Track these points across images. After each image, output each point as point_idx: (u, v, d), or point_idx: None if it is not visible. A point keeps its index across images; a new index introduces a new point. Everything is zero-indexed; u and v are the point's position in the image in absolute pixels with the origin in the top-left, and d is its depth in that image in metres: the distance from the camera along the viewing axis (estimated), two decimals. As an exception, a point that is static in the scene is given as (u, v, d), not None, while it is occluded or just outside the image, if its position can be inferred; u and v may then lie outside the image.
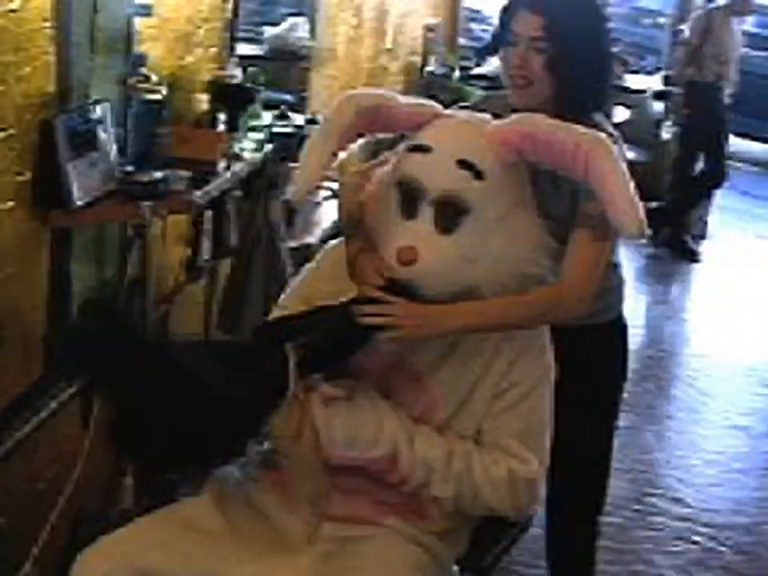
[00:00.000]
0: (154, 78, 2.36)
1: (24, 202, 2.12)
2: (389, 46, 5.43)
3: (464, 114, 1.92)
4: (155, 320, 2.76)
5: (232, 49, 3.14)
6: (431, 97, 2.93)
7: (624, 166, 1.69)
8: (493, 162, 1.71)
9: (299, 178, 1.75)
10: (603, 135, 1.71)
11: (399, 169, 1.76)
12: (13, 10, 1.95)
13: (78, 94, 2.26)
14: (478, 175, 1.69)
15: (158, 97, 2.35)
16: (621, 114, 5.84)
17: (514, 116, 1.78)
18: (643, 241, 1.76)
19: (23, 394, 2.22)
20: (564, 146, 1.67)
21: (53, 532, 2.25)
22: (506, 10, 2.01)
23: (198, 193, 2.45)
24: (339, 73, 4.57)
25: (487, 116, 1.84)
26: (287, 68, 4.26)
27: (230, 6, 3.05)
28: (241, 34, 3.45)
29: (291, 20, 4.26)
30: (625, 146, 2.03)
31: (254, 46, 4.25)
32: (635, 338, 4.62)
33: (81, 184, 2.22)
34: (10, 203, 2.06)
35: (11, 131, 2.02)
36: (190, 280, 2.74)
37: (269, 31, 4.31)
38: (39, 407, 2.28)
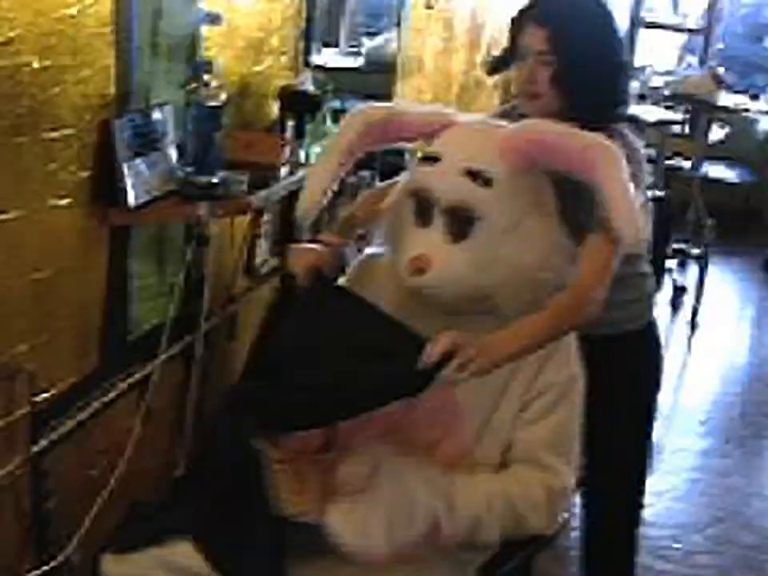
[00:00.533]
0: (215, 83, 2.41)
1: (82, 200, 2.21)
2: (482, 59, 5.43)
3: (478, 120, 1.92)
4: (222, 321, 2.85)
5: (306, 56, 3.19)
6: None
7: (627, 175, 1.65)
8: (502, 169, 1.71)
9: (303, 197, 1.81)
10: (609, 142, 1.68)
11: (413, 179, 1.80)
12: (71, 16, 2.04)
13: (139, 97, 2.35)
14: (487, 183, 1.70)
15: (216, 102, 2.40)
16: (716, 132, 5.73)
17: (524, 121, 1.78)
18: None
19: (78, 383, 2.31)
20: (571, 151, 1.66)
21: (100, 518, 2.32)
22: (513, 24, 2.01)
23: (255, 196, 2.50)
24: (428, 85, 4.60)
25: (502, 122, 1.84)
26: (383, 80, 4.31)
27: (303, 14, 3.11)
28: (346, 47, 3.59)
29: (388, 33, 4.32)
30: (646, 164, 2.04)
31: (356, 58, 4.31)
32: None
33: (138, 184, 2.31)
34: (68, 200, 2.15)
35: (69, 131, 2.12)
36: (249, 282, 2.81)
37: (368, 44, 4.37)
38: (94, 396, 2.37)
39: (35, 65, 1.97)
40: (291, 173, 2.73)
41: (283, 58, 3.04)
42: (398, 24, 4.11)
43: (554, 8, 1.98)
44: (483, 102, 5.54)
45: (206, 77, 2.46)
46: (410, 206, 1.80)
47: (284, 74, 3.04)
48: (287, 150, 2.67)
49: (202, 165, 2.43)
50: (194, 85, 2.41)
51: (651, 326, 2.29)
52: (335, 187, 1.84)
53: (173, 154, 2.45)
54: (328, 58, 3.70)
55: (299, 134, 2.84)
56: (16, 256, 2.03)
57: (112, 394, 2.44)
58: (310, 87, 2.90)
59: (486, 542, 1.75)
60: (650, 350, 2.31)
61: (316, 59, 3.29)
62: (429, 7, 4.32)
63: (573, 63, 1.93)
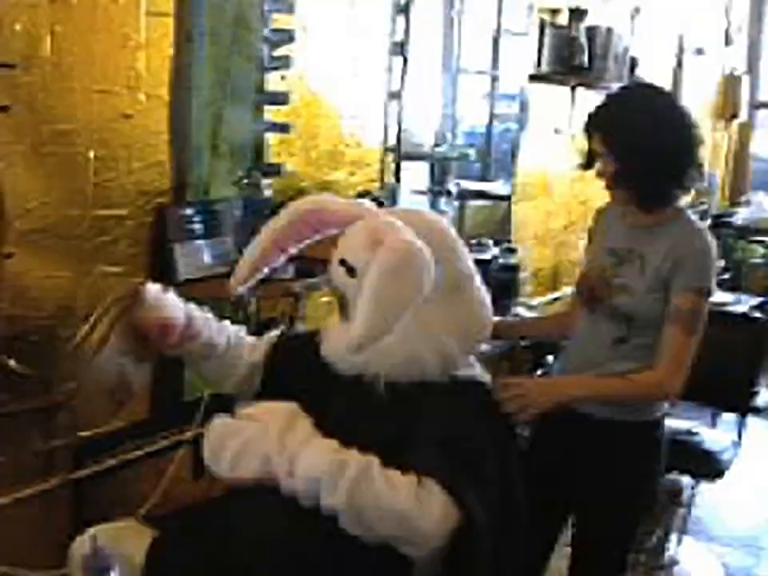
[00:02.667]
0: (265, 181, 2.81)
1: (135, 271, 2.63)
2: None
3: (381, 213, 2.07)
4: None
5: (397, 169, 3.54)
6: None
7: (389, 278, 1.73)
8: (366, 261, 1.80)
9: (234, 275, 2.09)
10: (402, 246, 1.76)
11: None
12: (126, 116, 2.52)
13: (199, 190, 2.77)
14: (351, 273, 1.88)
15: (265, 195, 2.79)
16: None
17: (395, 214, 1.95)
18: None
19: (126, 428, 2.69)
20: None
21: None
22: (585, 129, 2.28)
23: (297, 284, 2.82)
24: (559, 208, 4.83)
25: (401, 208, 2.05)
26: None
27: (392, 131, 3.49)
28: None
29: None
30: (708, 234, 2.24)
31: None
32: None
33: (188, 263, 2.71)
34: (120, 268, 2.59)
35: (122, 211, 2.56)
36: None
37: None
38: (140, 443, 2.73)
39: (90, 154, 2.44)
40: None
41: (366, 170, 3.40)
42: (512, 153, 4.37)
43: (607, 114, 2.23)
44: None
45: (266, 178, 2.87)
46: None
47: (366, 184, 3.40)
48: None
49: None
50: (245, 182, 2.80)
51: (655, 423, 2.34)
52: (264, 271, 2.09)
53: (229, 240, 2.83)
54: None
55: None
56: (66, 312, 2.45)
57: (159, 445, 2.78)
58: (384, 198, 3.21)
59: (333, 508, 1.69)
60: (656, 443, 2.35)
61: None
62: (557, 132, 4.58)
63: (625, 160, 2.18)
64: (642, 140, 2.16)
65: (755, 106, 7.06)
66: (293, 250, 2.10)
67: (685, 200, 2.31)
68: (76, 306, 2.48)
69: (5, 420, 2.37)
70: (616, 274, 2.24)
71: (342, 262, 1.90)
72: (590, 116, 2.27)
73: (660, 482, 2.47)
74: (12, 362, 2.35)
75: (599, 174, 2.26)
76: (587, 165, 2.31)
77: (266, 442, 1.74)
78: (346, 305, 1.91)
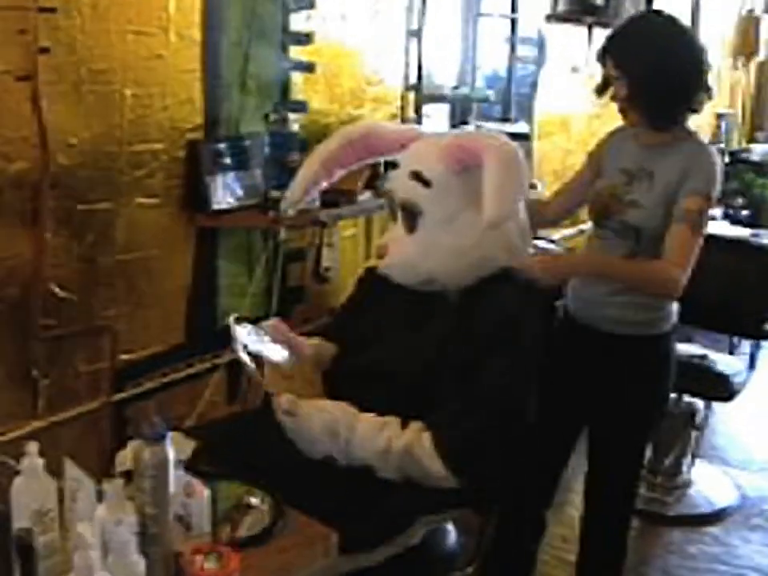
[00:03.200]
0: (292, 116, 2.94)
1: (168, 202, 2.78)
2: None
3: (436, 133, 2.27)
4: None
5: (417, 106, 3.66)
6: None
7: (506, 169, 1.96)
8: (439, 172, 2.04)
9: (288, 196, 2.24)
10: (507, 145, 2.01)
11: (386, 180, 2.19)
12: (159, 56, 2.65)
13: (229, 125, 2.91)
14: (426, 183, 2.05)
15: (291, 130, 2.92)
16: None
17: (456, 131, 2.14)
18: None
19: (163, 352, 2.86)
20: (478, 152, 1.98)
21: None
22: (598, 58, 2.40)
23: (324, 212, 2.96)
24: (577, 146, 4.92)
25: (453, 132, 2.20)
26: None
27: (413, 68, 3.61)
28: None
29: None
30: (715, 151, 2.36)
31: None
32: None
33: (222, 195, 2.86)
34: (154, 200, 2.73)
35: (157, 146, 2.70)
36: (315, 281, 3.29)
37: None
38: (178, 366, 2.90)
39: (126, 92, 2.58)
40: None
41: (387, 107, 3.53)
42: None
43: (620, 41, 2.35)
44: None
45: (292, 114, 3.00)
46: (386, 203, 2.21)
47: (389, 120, 3.52)
48: (365, 178, 3.11)
49: (282, 182, 2.93)
50: (273, 118, 2.93)
51: (665, 336, 2.45)
52: (316, 191, 2.27)
53: (258, 173, 2.97)
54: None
55: (385, 167, 3.27)
56: (105, 239, 2.61)
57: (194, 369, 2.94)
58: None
59: (387, 477, 1.94)
60: (657, 359, 2.46)
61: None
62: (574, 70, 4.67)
63: (637, 82, 2.30)
64: (653, 64, 2.27)
65: (775, 44, 7.07)
66: (340, 173, 2.27)
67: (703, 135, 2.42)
68: (116, 236, 2.63)
69: (51, 343, 2.53)
70: (627, 191, 2.36)
71: (416, 175, 2.04)
72: (604, 43, 2.38)
73: (669, 398, 2.60)
74: (57, 289, 2.51)
75: (613, 98, 2.38)
76: (602, 90, 2.42)
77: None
78: (417, 215, 2.06)
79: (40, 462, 1.36)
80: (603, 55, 2.37)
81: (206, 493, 1.49)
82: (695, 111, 2.36)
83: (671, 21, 2.39)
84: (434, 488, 1.96)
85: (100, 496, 1.36)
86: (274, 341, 2.14)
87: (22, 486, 1.35)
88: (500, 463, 1.98)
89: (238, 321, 2.09)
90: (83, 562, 1.20)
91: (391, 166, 2.19)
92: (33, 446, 1.36)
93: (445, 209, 2.06)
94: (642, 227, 2.32)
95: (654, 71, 2.27)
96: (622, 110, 2.39)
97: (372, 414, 1.95)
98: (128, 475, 1.48)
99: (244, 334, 2.07)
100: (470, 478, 1.94)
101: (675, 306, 2.45)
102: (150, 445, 1.37)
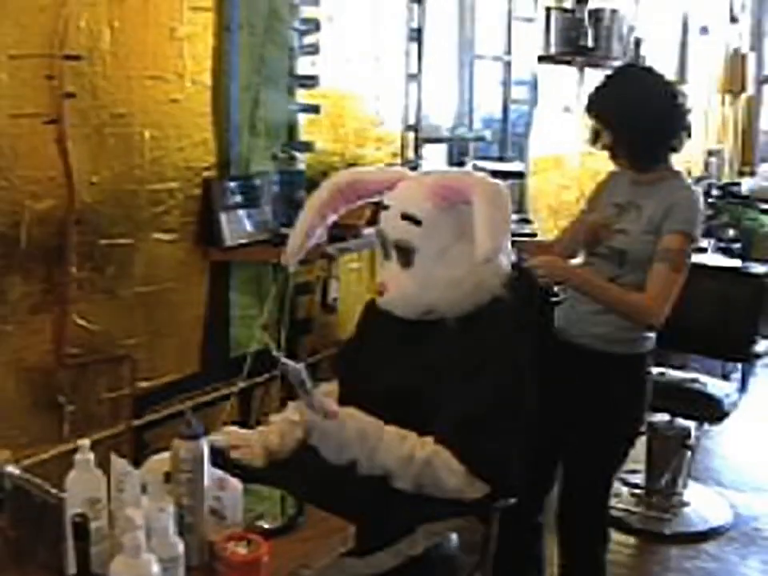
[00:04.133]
0: (299, 156, 3.13)
1: (184, 237, 2.95)
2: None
3: (420, 174, 2.42)
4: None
5: (417, 146, 3.85)
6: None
7: (495, 205, 2.11)
8: (430, 210, 2.19)
9: (288, 248, 2.39)
10: (491, 181, 2.17)
11: (377, 224, 2.34)
12: (174, 100, 2.84)
13: (240, 165, 3.09)
14: (417, 223, 2.20)
15: (299, 168, 3.10)
16: None
17: (441, 171, 2.31)
18: None
19: (179, 380, 3.01)
20: (465, 190, 2.14)
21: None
22: (586, 112, 2.65)
23: (331, 247, 3.13)
24: (571, 182, 5.11)
25: (436, 173, 2.36)
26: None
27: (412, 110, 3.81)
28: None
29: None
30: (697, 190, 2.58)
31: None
32: None
33: (234, 230, 3.03)
34: (174, 235, 2.90)
35: (173, 184, 2.88)
36: (322, 313, 3.45)
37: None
38: (193, 394, 3.05)
39: (145, 134, 2.76)
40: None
41: (388, 147, 3.71)
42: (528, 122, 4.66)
43: (601, 96, 2.58)
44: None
45: (299, 154, 3.18)
46: (378, 243, 2.37)
47: (388, 160, 3.71)
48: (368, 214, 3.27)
49: (290, 218, 3.09)
50: (281, 157, 3.11)
51: (642, 357, 2.64)
52: (313, 241, 2.41)
53: (268, 210, 3.15)
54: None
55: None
56: (125, 272, 2.78)
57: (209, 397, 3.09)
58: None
59: (403, 488, 2.09)
60: (634, 379, 2.63)
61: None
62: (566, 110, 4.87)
63: (617, 132, 2.54)
64: (631, 115, 2.51)
65: (761, 81, 7.30)
66: (332, 219, 2.42)
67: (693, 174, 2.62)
68: (135, 269, 2.80)
69: (76, 371, 2.69)
70: (617, 221, 2.57)
71: (406, 216, 2.20)
72: (588, 98, 2.62)
73: (643, 418, 2.75)
74: (80, 319, 2.67)
75: (603, 147, 2.61)
76: (594, 140, 2.66)
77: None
78: (412, 253, 2.21)
79: (91, 456, 1.52)
80: (589, 108, 2.61)
81: (239, 486, 1.64)
82: (675, 151, 2.58)
83: (646, 72, 2.64)
84: (438, 498, 2.10)
85: (143, 488, 1.51)
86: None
87: (76, 478, 1.50)
88: (518, 464, 2.13)
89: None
90: (132, 542, 1.35)
91: (381, 207, 2.33)
92: (85, 442, 1.52)
93: (437, 244, 2.20)
94: (627, 250, 2.51)
95: (631, 121, 2.51)
96: (611, 157, 2.63)
97: (394, 426, 2.10)
98: (167, 476, 1.63)
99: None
100: (499, 482, 2.11)
101: (653, 332, 2.64)
102: (187, 442, 1.53)
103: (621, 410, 2.62)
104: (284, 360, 2.00)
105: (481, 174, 2.24)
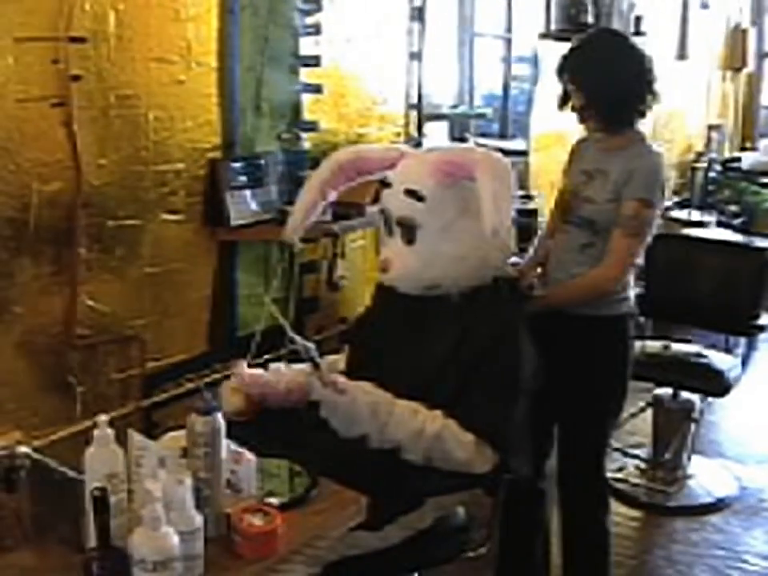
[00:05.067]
0: (303, 135, 3.14)
1: (191, 218, 2.97)
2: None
3: (422, 151, 2.45)
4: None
5: (419, 125, 3.87)
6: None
7: (500, 181, 2.11)
8: (431, 186, 2.20)
9: (289, 224, 2.40)
10: (497, 158, 2.17)
11: (380, 201, 2.36)
12: (180, 81, 2.85)
13: (245, 145, 3.11)
14: (420, 199, 2.21)
15: (303, 148, 3.12)
16: None
17: (444, 147, 2.32)
18: None
19: (188, 359, 3.04)
20: (469, 166, 2.15)
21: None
22: (557, 73, 2.68)
23: (336, 225, 3.15)
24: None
25: (437, 149, 2.37)
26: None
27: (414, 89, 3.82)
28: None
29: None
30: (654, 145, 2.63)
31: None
32: None
33: (240, 210, 3.05)
34: (178, 216, 2.92)
35: (179, 165, 2.90)
36: (328, 291, 3.48)
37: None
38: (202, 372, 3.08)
39: (150, 115, 2.78)
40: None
41: (391, 126, 3.73)
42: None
43: (573, 59, 2.62)
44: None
45: (303, 134, 3.19)
46: (381, 220, 2.38)
47: (391, 138, 3.72)
48: (372, 192, 3.29)
49: (295, 197, 3.11)
50: (285, 137, 3.13)
51: (621, 318, 2.67)
52: (315, 217, 2.42)
53: (274, 189, 3.16)
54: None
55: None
56: (133, 253, 2.80)
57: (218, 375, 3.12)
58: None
59: (413, 461, 2.12)
60: (616, 339, 2.68)
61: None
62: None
63: (590, 93, 2.59)
64: (602, 76, 2.56)
65: (762, 55, 7.28)
66: (333, 196, 2.43)
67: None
68: (143, 250, 2.82)
69: (86, 352, 2.72)
70: (584, 188, 2.63)
71: (410, 193, 2.21)
72: (560, 61, 2.66)
73: (627, 380, 2.74)
74: (90, 301, 2.70)
75: (573, 109, 2.66)
76: (562, 102, 2.71)
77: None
78: (415, 229, 2.22)
79: (110, 431, 1.54)
80: (561, 71, 2.65)
81: (253, 459, 1.67)
82: (642, 115, 2.63)
83: (620, 37, 2.73)
84: (448, 471, 2.13)
85: (161, 462, 1.54)
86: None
87: (95, 454, 1.53)
88: (527, 436, 2.17)
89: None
90: (151, 514, 1.38)
91: (383, 184, 2.34)
92: (104, 418, 1.55)
93: (440, 220, 2.22)
94: (595, 220, 2.58)
95: (604, 82, 2.57)
96: (580, 120, 2.67)
97: (404, 400, 2.12)
98: (184, 452, 1.66)
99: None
100: (507, 452, 2.13)
101: (632, 293, 2.70)
102: (203, 416, 1.55)
103: (606, 370, 2.67)
104: (295, 337, 2.03)
105: (484, 150, 2.25)
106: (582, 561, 2.84)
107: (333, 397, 2.09)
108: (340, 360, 2.44)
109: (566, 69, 2.64)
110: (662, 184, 2.57)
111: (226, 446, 1.62)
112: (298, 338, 2.06)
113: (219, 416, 1.58)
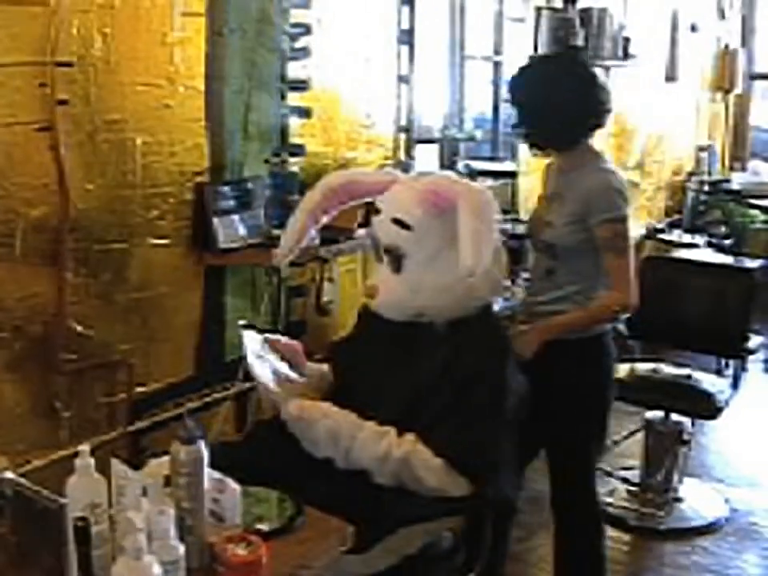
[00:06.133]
0: (291, 159, 3.14)
1: (180, 242, 2.97)
2: (633, 163, 5.90)
3: (411, 177, 2.41)
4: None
5: (408, 148, 3.87)
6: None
7: (479, 215, 2.09)
8: (420, 216, 2.18)
9: (280, 249, 2.39)
10: (480, 192, 2.16)
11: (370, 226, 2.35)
12: (167, 106, 2.85)
13: (233, 169, 3.11)
14: (407, 228, 2.19)
15: (291, 171, 3.12)
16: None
17: (433, 176, 2.31)
18: None
19: (176, 384, 3.02)
20: (451, 198, 2.12)
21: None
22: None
23: (324, 249, 3.14)
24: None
25: (427, 177, 2.37)
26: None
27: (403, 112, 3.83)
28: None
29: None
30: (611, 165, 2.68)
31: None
32: None
33: (228, 234, 3.05)
34: (168, 240, 2.92)
35: (166, 189, 2.89)
36: (316, 315, 3.47)
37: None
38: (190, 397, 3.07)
39: (138, 140, 2.77)
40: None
41: (380, 149, 3.73)
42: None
43: (513, 83, 2.70)
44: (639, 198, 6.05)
45: (291, 158, 3.20)
46: (371, 247, 2.38)
47: (380, 162, 3.73)
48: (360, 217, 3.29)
49: (283, 221, 3.11)
50: (273, 161, 3.13)
51: (602, 336, 2.66)
52: (305, 242, 2.40)
53: (261, 213, 3.16)
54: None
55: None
56: (120, 278, 2.79)
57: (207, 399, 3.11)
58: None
59: (384, 483, 2.09)
60: (597, 358, 2.67)
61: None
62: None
63: (530, 123, 2.65)
64: (535, 101, 2.61)
65: (752, 77, 7.32)
66: (324, 220, 2.42)
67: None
68: (130, 274, 2.81)
69: (72, 377, 2.70)
70: (546, 213, 2.66)
71: (397, 221, 2.19)
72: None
73: (610, 400, 2.74)
74: (76, 325, 2.68)
75: (521, 135, 2.72)
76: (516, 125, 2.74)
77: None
78: (402, 258, 2.21)
79: (92, 461, 1.53)
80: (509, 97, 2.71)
81: (237, 488, 1.66)
82: (586, 134, 2.65)
83: (564, 59, 2.87)
84: (426, 496, 2.11)
85: (144, 491, 1.53)
86: (282, 358, 2.31)
87: (76, 483, 1.51)
88: (509, 465, 2.15)
89: (247, 327, 2.24)
90: (134, 545, 1.36)
91: (373, 210, 2.32)
92: (85, 447, 1.53)
93: (427, 250, 2.20)
94: (554, 243, 2.60)
95: (537, 106, 2.61)
96: (529, 146, 2.72)
97: (372, 423, 2.11)
98: (167, 480, 1.65)
99: (254, 342, 2.22)
100: (478, 480, 2.10)
101: None
102: (186, 445, 1.54)
103: (585, 392, 2.66)
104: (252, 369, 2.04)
105: (467, 182, 2.22)
106: None
107: (292, 420, 2.09)
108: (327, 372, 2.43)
109: (510, 92, 2.71)
110: (622, 194, 2.58)
111: (209, 474, 1.61)
112: (252, 363, 2.08)
113: (202, 445, 1.57)
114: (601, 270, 2.58)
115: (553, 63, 2.81)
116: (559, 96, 2.57)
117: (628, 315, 2.67)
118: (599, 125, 2.67)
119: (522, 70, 2.71)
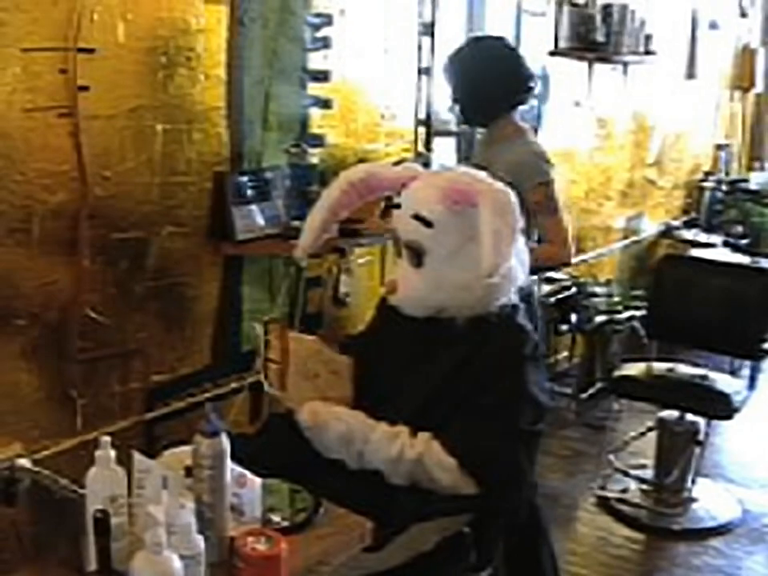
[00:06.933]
0: (311, 150, 3.13)
1: (199, 232, 2.95)
2: (651, 160, 5.86)
3: (433, 173, 2.40)
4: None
5: (428, 141, 3.85)
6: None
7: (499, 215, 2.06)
8: (440, 212, 2.15)
9: (300, 242, 2.36)
10: (500, 191, 2.12)
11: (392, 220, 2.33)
12: (188, 94, 2.83)
13: (252, 159, 3.09)
14: (428, 224, 2.17)
15: (311, 162, 3.10)
16: None
17: (456, 171, 2.29)
18: None
19: (192, 374, 3.01)
20: (473, 196, 2.10)
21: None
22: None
23: (343, 241, 3.12)
24: (580, 177, 5.11)
25: (451, 171, 2.35)
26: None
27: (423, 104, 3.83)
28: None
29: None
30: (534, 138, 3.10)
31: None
32: None
33: (247, 224, 3.03)
34: (186, 229, 2.90)
35: (185, 178, 2.88)
36: (333, 307, 3.45)
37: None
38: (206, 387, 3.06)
39: (157, 127, 2.76)
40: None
41: (399, 142, 3.71)
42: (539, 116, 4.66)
43: (447, 61, 3.06)
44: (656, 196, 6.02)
45: (311, 149, 3.18)
46: (392, 241, 2.36)
47: (400, 154, 3.70)
48: (379, 209, 3.27)
49: (302, 212, 3.09)
50: (293, 152, 3.11)
51: (513, 308, 2.59)
52: (327, 235, 2.38)
53: (280, 204, 3.14)
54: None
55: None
56: (138, 266, 2.78)
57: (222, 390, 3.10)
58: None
59: (398, 484, 2.08)
60: (510, 330, 2.59)
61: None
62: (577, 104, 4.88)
63: (457, 98, 3.06)
64: (459, 78, 3.02)
65: (772, 76, 7.27)
66: (344, 214, 2.40)
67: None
68: (148, 263, 2.80)
69: (88, 365, 2.69)
70: None
71: (417, 217, 2.17)
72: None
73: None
74: (93, 313, 2.67)
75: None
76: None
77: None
78: (422, 254, 2.19)
79: (112, 453, 1.52)
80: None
81: (258, 483, 1.65)
82: (513, 108, 3.04)
83: (491, 41, 3.13)
84: (441, 494, 2.10)
85: (164, 483, 1.52)
86: None
87: (96, 475, 1.50)
88: (515, 467, 2.13)
89: (268, 323, 2.22)
90: (153, 539, 1.35)
91: (394, 205, 2.30)
92: (106, 439, 1.52)
93: (447, 246, 2.17)
94: None
95: (459, 83, 3.02)
96: (463, 119, 3.17)
97: (384, 424, 2.10)
98: (187, 471, 1.64)
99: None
100: (486, 481, 2.08)
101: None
102: (208, 438, 1.53)
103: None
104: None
105: (488, 180, 2.18)
106: None
107: (305, 426, 2.10)
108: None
109: (443, 72, 3.08)
110: (547, 161, 2.95)
111: (230, 468, 1.59)
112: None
113: (224, 438, 1.55)
114: (532, 232, 2.87)
115: (481, 44, 3.10)
116: (485, 74, 2.93)
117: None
118: (521, 102, 3.06)
119: (456, 51, 3.04)
